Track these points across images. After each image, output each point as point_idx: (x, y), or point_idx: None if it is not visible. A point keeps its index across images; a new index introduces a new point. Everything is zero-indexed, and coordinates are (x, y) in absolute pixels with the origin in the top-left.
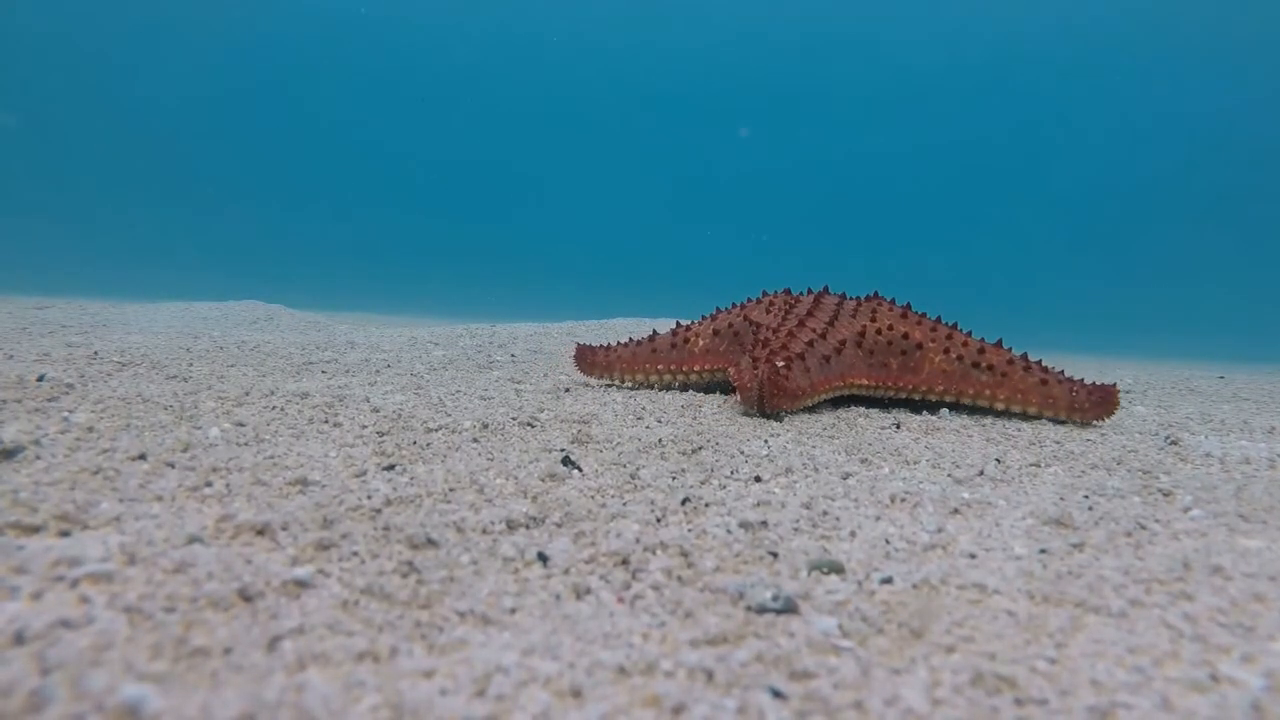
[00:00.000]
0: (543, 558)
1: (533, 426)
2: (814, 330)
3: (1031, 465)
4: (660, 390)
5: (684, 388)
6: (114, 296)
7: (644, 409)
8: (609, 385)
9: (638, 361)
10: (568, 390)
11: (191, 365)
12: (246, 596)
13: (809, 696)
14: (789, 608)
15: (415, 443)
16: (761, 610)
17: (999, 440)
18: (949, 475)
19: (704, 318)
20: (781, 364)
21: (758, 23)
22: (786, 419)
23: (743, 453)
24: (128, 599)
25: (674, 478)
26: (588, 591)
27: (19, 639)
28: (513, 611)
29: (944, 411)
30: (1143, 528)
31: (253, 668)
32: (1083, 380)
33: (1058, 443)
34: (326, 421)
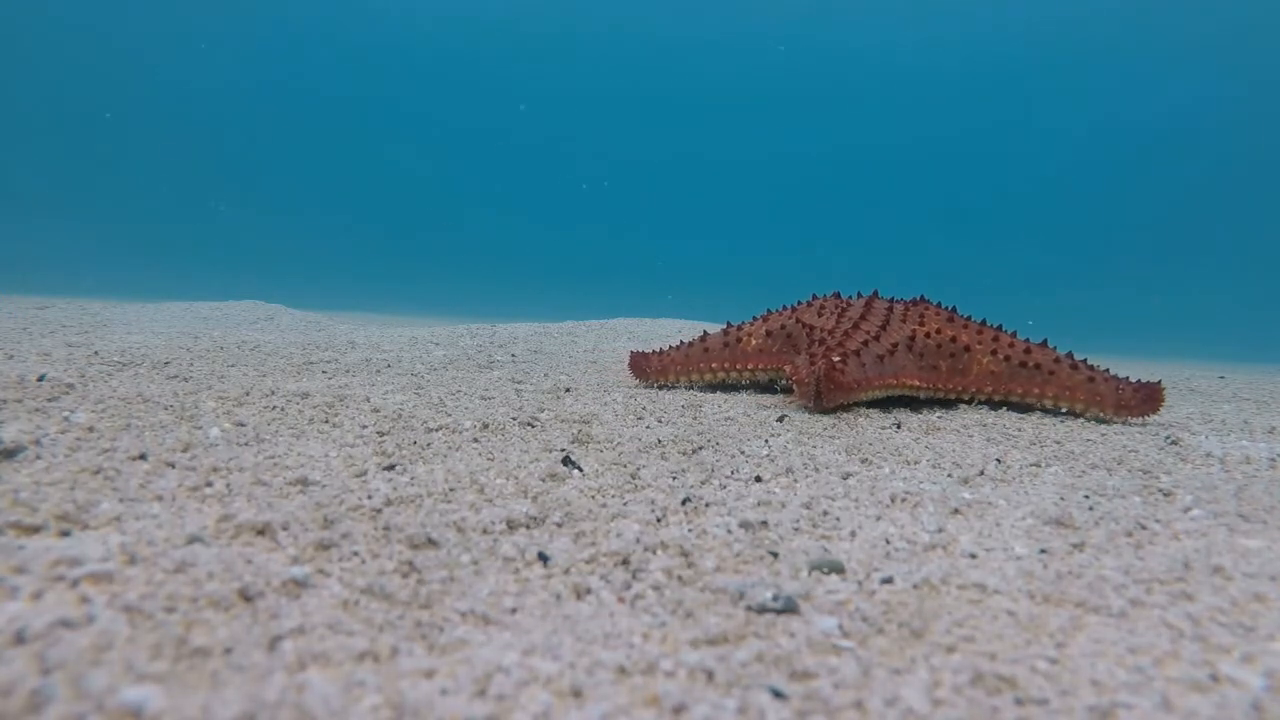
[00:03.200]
0: (543, 557)
1: (533, 426)
2: (868, 332)
3: (1032, 465)
4: (700, 389)
5: (737, 386)
6: (114, 296)
7: (644, 409)
8: (610, 386)
9: (691, 362)
10: (568, 390)
11: (192, 365)
12: (247, 596)
13: (809, 696)
14: (789, 607)
15: (415, 442)
16: (762, 610)
17: (999, 440)
18: (949, 475)
19: (755, 319)
20: (837, 359)
21: (757, 21)
22: (786, 419)
23: (743, 453)
24: (128, 599)
25: (674, 478)
26: (588, 591)
27: (19, 639)
28: (513, 611)
29: (936, 413)
30: (1143, 528)
31: (253, 668)
32: (1128, 378)
33: (1058, 443)
34: (327, 421)
